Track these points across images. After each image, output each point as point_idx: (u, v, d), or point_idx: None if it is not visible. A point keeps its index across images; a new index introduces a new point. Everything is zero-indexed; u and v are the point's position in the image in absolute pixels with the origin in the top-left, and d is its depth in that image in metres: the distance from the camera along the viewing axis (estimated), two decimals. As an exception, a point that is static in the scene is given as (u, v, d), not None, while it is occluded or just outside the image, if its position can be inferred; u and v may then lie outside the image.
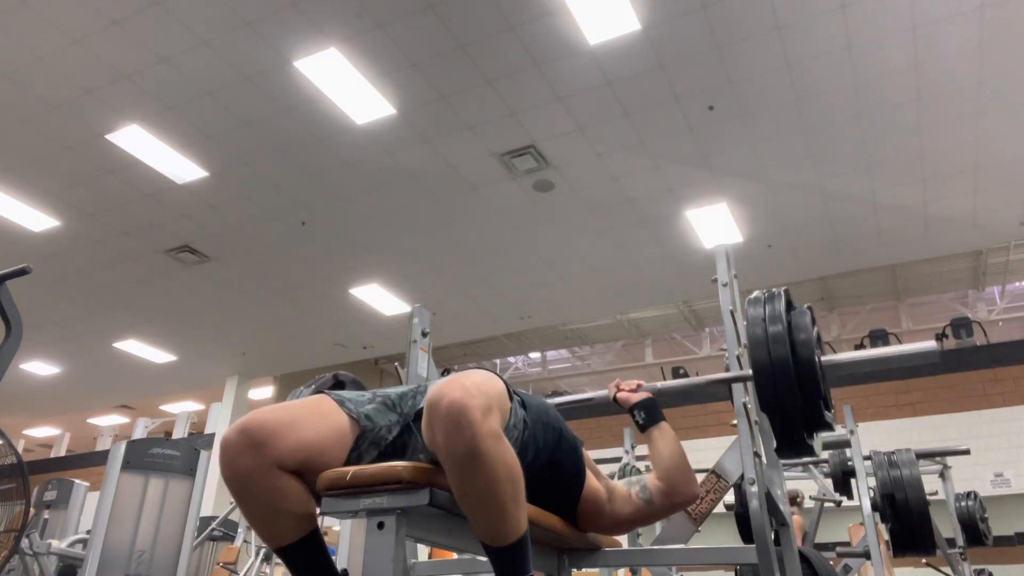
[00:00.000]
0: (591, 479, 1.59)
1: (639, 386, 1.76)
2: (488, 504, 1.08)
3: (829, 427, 1.55)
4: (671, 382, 1.85)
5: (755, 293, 1.68)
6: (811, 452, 1.56)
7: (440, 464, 1.11)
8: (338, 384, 2.16)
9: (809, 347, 1.52)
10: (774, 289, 1.67)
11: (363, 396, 1.33)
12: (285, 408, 1.22)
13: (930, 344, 1.56)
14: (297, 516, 1.18)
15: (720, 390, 1.83)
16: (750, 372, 1.60)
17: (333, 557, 1.28)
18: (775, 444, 1.61)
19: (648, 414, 1.69)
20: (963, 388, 8.84)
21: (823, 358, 1.56)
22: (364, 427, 1.26)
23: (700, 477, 1.79)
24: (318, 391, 2.10)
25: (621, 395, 1.76)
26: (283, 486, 1.15)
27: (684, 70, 5.20)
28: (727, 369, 1.85)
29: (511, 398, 1.30)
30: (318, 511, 1.23)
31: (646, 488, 1.60)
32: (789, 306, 1.61)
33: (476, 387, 1.10)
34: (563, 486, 1.53)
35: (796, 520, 5.44)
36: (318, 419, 1.23)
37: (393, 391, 1.39)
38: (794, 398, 1.49)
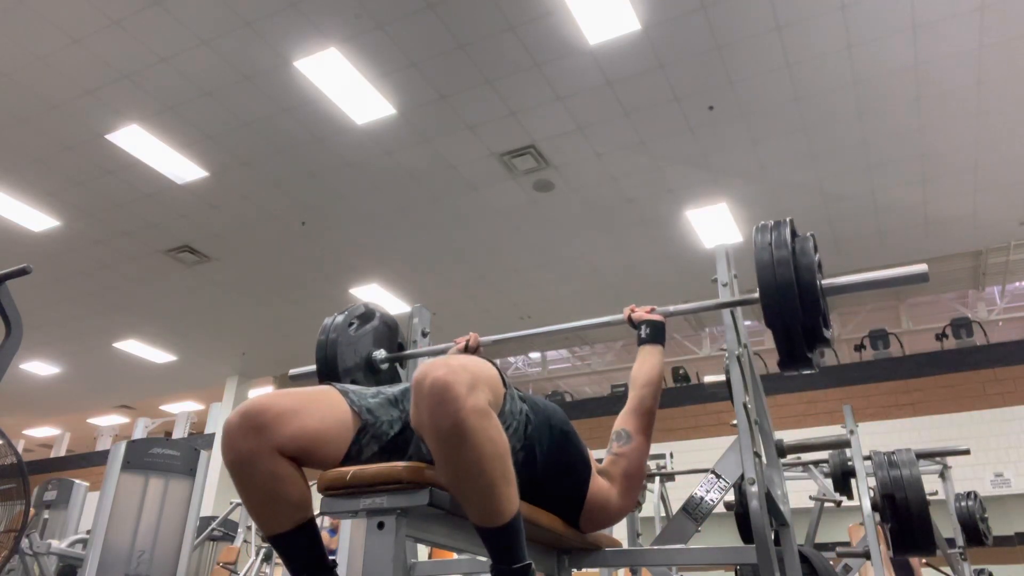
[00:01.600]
0: (596, 478, 1.59)
1: (652, 309, 1.90)
2: (477, 481, 1.07)
3: (827, 343, 1.67)
4: (682, 305, 1.94)
5: (761, 223, 1.77)
6: (810, 365, 1.68)
7: None
8: (369, 313, 2.19)
9: (811, 270, 1.64)
10: (780, 219, 1.77)
11: (367, 390, 1.34)
12: (290, 394, 1.22)
13: (920, 267, 1.67)
14: (294, 504, 1.18)
15: (721, 391, 1.85)
16: (756, 295, 1.69)
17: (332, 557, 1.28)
18: (779, 359, 1.71)
19: (653, 331, 1.84)
20: (963, 388, 8.84)
21: (823, 281, 1.69)
22: (365, 421, 1.26)
23: (700, 477, 1.79)
24: (348, 321, 2.13)
25: (635, 314, 1.90)
26: (282, 472, 1.16)
27: (684, 70, 5.20)
28: (727, 370, 1.85)
29: (506, 386, 1.30)
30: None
31: (619, 434, 1.65)
32: (794, 233, 1.72)
33: (462, 366, 1.09)
34: (568, 488, 1.53)
35: None
36: (322, 408, 1.23)
37: (396, 388, 1.40)
38: (796, 316, 1.61)
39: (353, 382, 1.95)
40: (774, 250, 1.67)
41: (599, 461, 1.67)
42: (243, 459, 1.15)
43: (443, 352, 2.15)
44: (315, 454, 1.19)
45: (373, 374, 2.16)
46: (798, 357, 1.67)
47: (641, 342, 1.83)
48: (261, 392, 12.80)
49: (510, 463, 1.11)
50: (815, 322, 1.63)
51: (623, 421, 1.67)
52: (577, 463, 1.53)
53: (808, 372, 1.71)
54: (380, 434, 1.28)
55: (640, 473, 1.62)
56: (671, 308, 1.91)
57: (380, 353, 2.16)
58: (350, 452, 1.23)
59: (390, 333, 2.24)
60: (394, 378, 2.24)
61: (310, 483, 1.21)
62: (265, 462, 1.14)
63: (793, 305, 1.61)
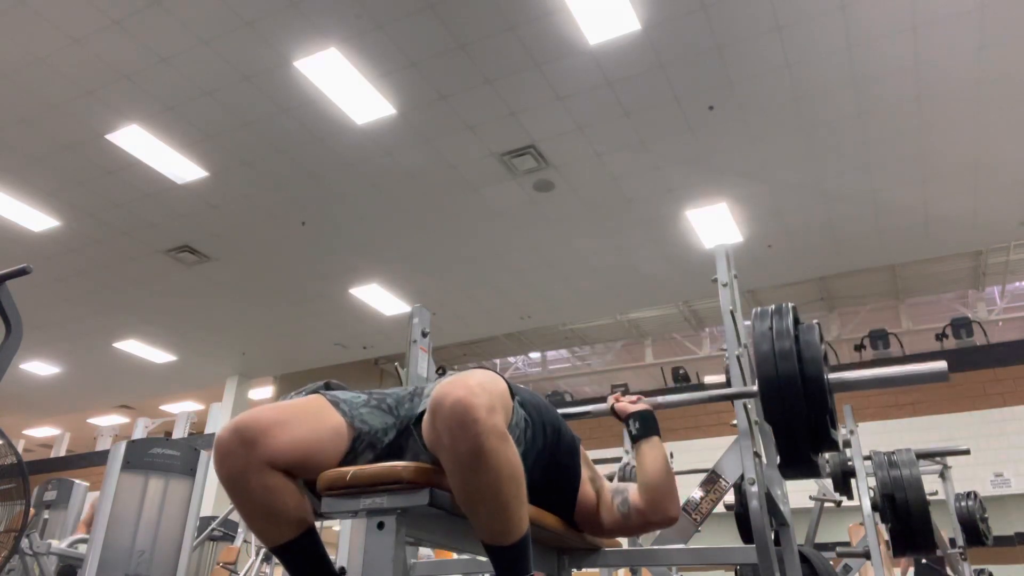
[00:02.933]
0: (584, 483, 1.59)
1: (639, 399, 1.75)
2: (492, 503, 1.07)
3: (836, 447, 1.52)
4: (671, 396, 1.82)
5: (759, 309, 1.66)
6: (817, 472, 1.53)
7: (439, 464, 1.11)
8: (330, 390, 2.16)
9: (817, 364, 1.50)
10: (782, 304, 1.64)
11: (358, 398, 1.32)
12: (279, 407, 1.21)
13: (940, 365, 1.52)
14: (291, 515, 1.17)
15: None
16: (755, 388, 1.57)
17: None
18: (779, 460, 1.59)
19: (643, 425, 1.66)
20: (963, 388, 8.83)
21: (830, 376, 1.53)
22: (359, 430, 1.25)
23: (700, 477, 1.79)
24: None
25: (619, 405, 1.74)
26: (275, 484, 1.15)
27: (684, 70, 5.20)
28: (727, 370, 1.85)
29: (512, 397, 1.30)
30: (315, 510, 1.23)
31: (626, 502, 1.57)
32: (796, 321, 1.58)
33: (480, 386, 1.09)
34: (562, 485, 1.53)
35: None
36: (313, 419, 1.22)
37: (390, 393, 1.38)
38: (801, 416, 1.47)
39: None
40: (775, 341, 1.52)
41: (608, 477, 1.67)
42: (235, 474, 1.14)
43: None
44: (308, 465, 1.18)
45: None
46: (801, 461, 1.51)
47: (634, 439, 1.65)
48: (261, 392, 12.81)
49: (524, 484, 1.11)
50: (822, 422, 1.48)
51: (634, 503, 1.56)
52: (568, 459, 1.54)
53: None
54: (375, 441, 1.27)
55: (618, 535, 1.62)
56: (659, 399, 1.80)
57: None
58: (344, 461, 1.23)
59: None
60: None
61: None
62: (257, 476, 1.13)
63: (798, 403, 1.47)
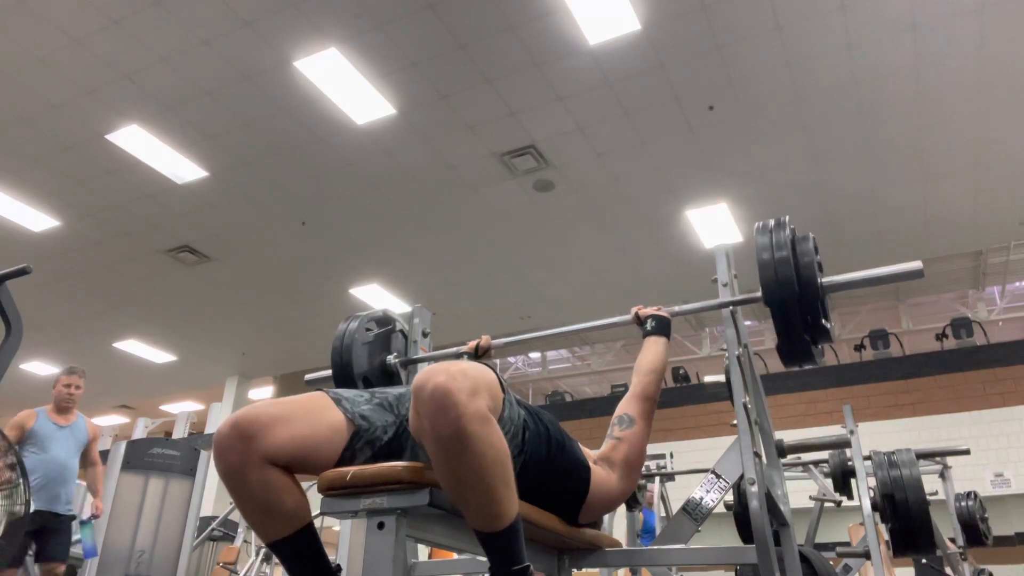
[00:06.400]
0: (595, 472, 1.58)
1: (659, 309, 1.97)
2: (477, 487, 1.06)
3: (829, 339, 1.77)
4: (685, 305, 2.00)
5: (760, 223, 1.85)
6: (814, 360, 1.78)
7: None
8: (386, 319, 2.23)
9: (811, 269, 1.72)
10: (781, 217, 1.85)
11: (361, 395, 1.33)
12: (279, 403, 1.21)
13: (915, 264, 1.72)
14: (289, 511, 1.18)
15: (721, 391, 1.86)
16: (758, 294, 1.76)
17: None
18: (783, 355, 1.80)
19: (658, 324, 1.89)
20: (963, 388, 8.84)
21: (823, 279, 1.77)
22: (359, 427, 1.25)
23: (700, 477, 1.79)
24: (364, 326, 2.16)
25: (642, 311, 1.96)
26: (273, 481, 1.15)
27: (684, 70, 5.20)
28: (727, 370, 1.85)
29: (504, 391, 1.30)
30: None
31: (622, 418, 1.66)
32: (794, 234, 1.80)
33: (461, 372, 1.09)
34: (566, 492, 1.52)
35: None
36: (313, 415, 1.22)
37: (392, 391, 1.39)
38: (797, 313, 1.70)
39: (369, 386, 1.97)
40: (775, 250, 1.73)
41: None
42: (234, 469, 1.14)
43: (456, 356, 2.16)
44: (306, 461, 1.18)
45: (388, 378, 2.18)
46: (801, 352, 1.75)
47: (646, 334, 1.88)
48: (261, 392, 12.80)
49: (510, 468, 1.11)
50: (816, 319, 1.71)
51: (626, 406, 1.69)
52: (574, 468, 1.51)
53: (810, 367, 1.80)
54: (374, 439, 1.27)
55: (641, 458, 1.63)
56: (676, 308, 1.97)
57: (394, 358, 2.20)
58: (343, 458, 1.23)
59: (406, 339, 2.27)
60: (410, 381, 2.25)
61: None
62: (256, 471, 1.14)
63: (794, 302, 1.68)
